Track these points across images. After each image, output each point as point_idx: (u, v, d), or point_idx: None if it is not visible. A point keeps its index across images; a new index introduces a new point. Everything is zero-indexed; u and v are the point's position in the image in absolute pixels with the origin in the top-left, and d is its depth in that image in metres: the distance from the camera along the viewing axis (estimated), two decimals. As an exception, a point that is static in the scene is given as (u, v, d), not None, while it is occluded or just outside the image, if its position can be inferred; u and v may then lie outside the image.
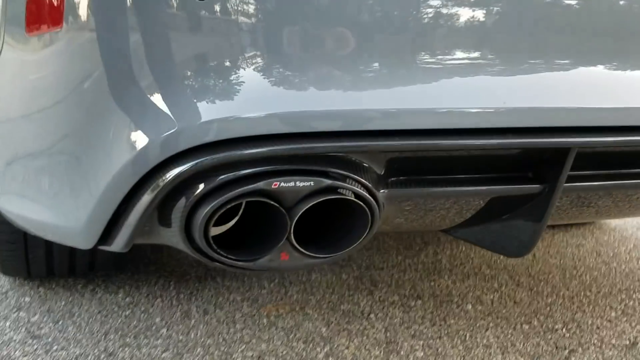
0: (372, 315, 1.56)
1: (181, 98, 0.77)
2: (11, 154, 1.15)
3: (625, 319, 1.57)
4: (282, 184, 0.77)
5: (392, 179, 0.85)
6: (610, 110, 0.84)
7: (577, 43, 0.84)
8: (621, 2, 0.83)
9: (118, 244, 0.89)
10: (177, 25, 0.78)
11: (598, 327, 1.52)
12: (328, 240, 0.88)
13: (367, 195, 0.81)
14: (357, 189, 0.80)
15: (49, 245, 1.56)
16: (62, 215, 0.96)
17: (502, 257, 2.00)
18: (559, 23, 0.81)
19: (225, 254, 0.83)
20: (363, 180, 0.80)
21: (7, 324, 1.48)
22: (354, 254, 1.97)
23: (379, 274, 1.82)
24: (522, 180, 0.89)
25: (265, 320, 1.52)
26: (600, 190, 0.99)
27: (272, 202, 0.78)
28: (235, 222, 0.92)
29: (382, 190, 0.84)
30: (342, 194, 0.80)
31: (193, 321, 1.51)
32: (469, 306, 1.63)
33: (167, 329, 1.47)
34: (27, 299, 1.62)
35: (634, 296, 1.71)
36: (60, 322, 1.49)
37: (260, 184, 0.76)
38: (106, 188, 0.84)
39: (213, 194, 0.77)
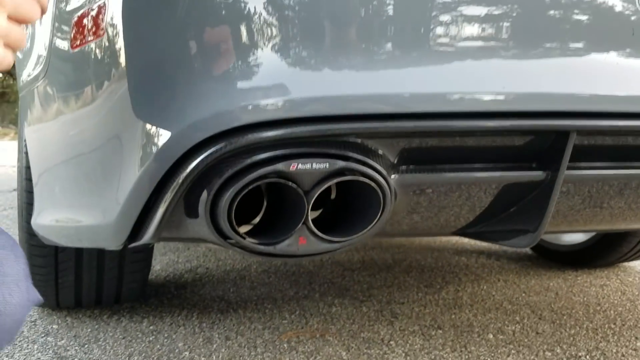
0: (392, 342, 1.56)
1: (201, 89, 0.86)
2: (48, 167, 1.25)
3: (652, 349, 1.54)
4: (300, 165, 0.83)
5: (404, 166, 0.91)
6: (607, 97, 0.89)
7: (574, 30, 0.91)
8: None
9: (147, 237, 0.95)
10: (203, 22, 0.89)
11: (623, 355, 1.49)
12: (343, 224, 0.93)
13: (380, 177, 0.87)
14: (370, 171, 0.87)
15: (78, 271, 1.62)
16: (95, 215, 1.03)
17: (524, 293, 1.99)
18: (557, 11, 0.89)
19: (248, 238, 0.89)
20: (375, 164, 0.87)
21: (35, 346, 1.53)
22: (374, 290, 1.98)
23: (399, 307, 1.83)
24: (527, 168, 0.94)
25: (285, 345, 1.53)
26: (601, 180, 1.03)
27: (290, 184, 0.85)
28: (260, 218, 0.98)
29: (394, 176, 0.90)
30: (355, 176, 0.86)
31: (215, 346, 1.53)
32: (490, 335, 1.61)
33: (190, 352, 1.49)
34: (55, 326, 1.66)
35: (661, 329, 1.68)
36: (86, 346, 1.53)
37: (279, 166, 0.83)
38: (136, 182, 0.92)
39: (235, 178, 0.84)
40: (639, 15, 0.92)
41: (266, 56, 0.89)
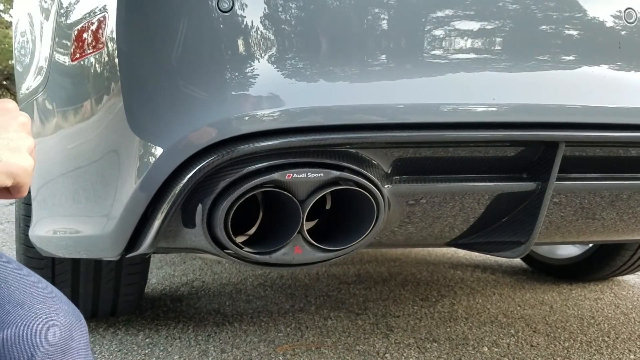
0: (387, 355, 1.56)
1: (197, 100, 0.88)
2: (48, 179, 1.26)
3: (646, 361, 1.55)
4: (295, 175, 0.85)
5: (397, 176, 0.93)
6: (595, 109, 0.92)
7: (562, 44, 0.93)
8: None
9: (144, 247, 0.96)
10: (199, 35, 0.91)
11: (618, 368, 1.50)
12: (338, 234, 0.94)
13: (373, 187, 0.88)
14: (364, 181, 0.88)
15: (75, 283, 1.63)
16: (94, 225, 1.05)
17: (518, 306, 1.99)
18: (546, 25, 0.91)
19: (243, 247, 0.90)
20: (369, 174, 0.88)
21: (30, 359, 1.52)
22: (370, 304, 1.99)
23: (395, 320, 1.83)
24: (517, 179, 0.96)
25: (281, 358, 1.53)
26: (592, 192, 1.04)
27: (285, 193, 0.86)
28: (256, 227, 0.99)
29: (387, 186, 0.92)
30: (349, 186, 0.88)
31: (210, 358, 1.53)
32: (485, 348, 1.62)
33: (185, 365, 1.49)
34: (50, 339, 1.66)
35: (654, 342, 1.68)
36: (81, 358, 1.53)
37: (275, 175, 0.85)
38: (134, 193, 0.93)
39: (231, 188, 0.86)
40: (625, 30, 0.95)
41: (261, 68, 0.92)
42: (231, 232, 0.88)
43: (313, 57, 0.93)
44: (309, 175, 0.86)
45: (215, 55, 0.93)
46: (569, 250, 2.31)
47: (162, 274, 2.36)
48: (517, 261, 2.59)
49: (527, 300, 2.06)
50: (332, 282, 2.29)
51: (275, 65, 0.93)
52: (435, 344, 1.64)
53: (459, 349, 1.61)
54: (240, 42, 0.94)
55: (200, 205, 0.89)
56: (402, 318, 1.86)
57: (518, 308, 1.97)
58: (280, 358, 1.52)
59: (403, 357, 1.54)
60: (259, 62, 0.92)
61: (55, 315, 0.56)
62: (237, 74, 0.92)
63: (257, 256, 0.91)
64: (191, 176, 0.87)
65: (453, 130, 0.87)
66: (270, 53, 0.93)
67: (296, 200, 0.87)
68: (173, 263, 2.53)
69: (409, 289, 2.19)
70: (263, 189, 0.87)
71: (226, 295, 2.07)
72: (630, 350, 1.61)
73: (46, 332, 0.54)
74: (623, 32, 0.96)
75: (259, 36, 0.95)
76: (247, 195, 0.86)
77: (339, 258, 0.96)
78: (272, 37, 0.94)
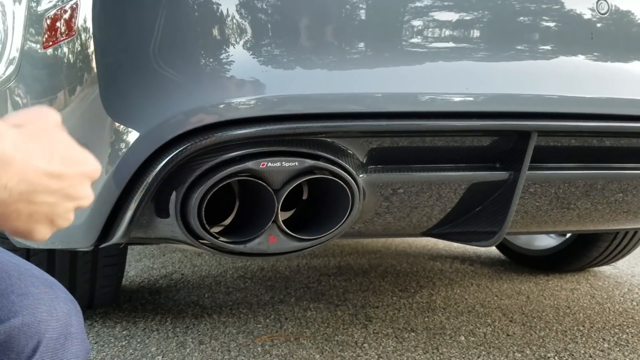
0: (365, 345, 1.57)
1: (172, 87, 0.87)
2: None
3: (618, 349, 1.58)
4: (270, 164, 0.84)
5: (372, 165, 0.93)
6: (567, 98, 0.93)
7: (535, 35, 0.94)
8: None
9: (117, 237, 0.95)
10: (173, 20, 0.90)
11: (591, 356, 1.52)
12: (314, 223, 0.94)
13: (348, 177, 0.88)
14: (339, 170, 0.88)
15: (50, 274, 1.60)
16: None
17: (496, 296, 2.02)
18: (520, 16, 0.92)
19: (218, 237, 0.89)
20: (344, 163, 0.88)
21: (4, 352, 1.50)
22: (349, 295, 2.00)
23: (374, 311, 1.84)
24: (491, 168, 0.97)
25: (259, 349, 1.53)
26: (566, 181, 1.06)
27: (260, 182, 0.86)
28: (232, 217, 0.99)
29: (362, 175, 0.92)
30: (323, 175, 0.88)
31: (188, 350, 1.52)
32: (462, 338, 1.63)
33: (163, 356, 1.48)
34: (25, 331, 1.64)
35: (627, 330, 1.72)
36: (56, 351, 1.51)
37: (249, 164, 0.84)
38: (106, 182, 0.92)
39: (205, 176, 0.85)
40: (598, 21, 0.96)
41: (237, 55, 0.91)
42: (205, 222, 0.88)
43: (290, 44, 0.92)
44: (284, 164, 0.85)
45: (189, 42, 0.92)
46: (545, 242, 2.35)
47: (141, 266, 2.34)
48: (496, 252, 2.62)
49: (504, 291, 2.09)
50: (312, 273, 2.29)
51: (251, 53, 0.92)
52: (413, 334, 1.65)
53: (436, 338, 1.62)
54: (215, 29, 0.93)
55: (174, 194, 0.88)
56: (381, 309, 1.87)
57: (495, 298, 2.00)
58: (259, 349, 1.52)
59: (381, 347, 1.55)
60: (234, 49, 0.92)
61: (56, 303, 0.58)
62: (212, 61, 0.91)
63: (232, 246, 0.90)
64: (164, 164, 0.86)
65: (428, 119, 0.87)
66: (246, 40, 0.93)
67: (271, 190, 0.87)
68: (152, 255, 2.51)
69: (388, 280, 2.21)
70: (237, 178, 0.86)
71: (205, 288, 2.06)
72: (604, 339, 1.64)
73: (50, 319, 0.57)
74: (595, 24, 0.97)
75: (234, 23, 0.94)
76: (221, 184, 0.85)
77: (315, 247, 0.96)
78: (248, 24, 0.93)
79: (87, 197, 0.48)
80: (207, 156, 0.86)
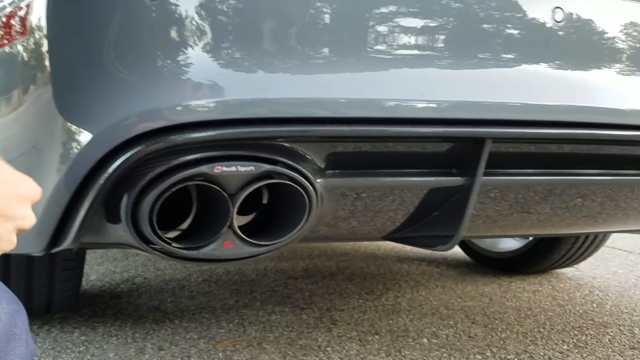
0: (329, 349, 1.56)
1: (125, 88, 0.85)
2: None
3: (577, 350, 1.60)
4: (224, 168, 0.83)
5: (330, 170, 0.92)
6: (522, 106, 0.94)
7: (491, 42, 0.95)
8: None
9: (68, 242, 0.93)
10: (128, 19, 0.88)
11: (550, 358, 1.55)
12: (271, 228, 0.93)
13: (305, 181, 0.88)
14: (296, 175, 0.87)
15: (6, 280, 1.55)
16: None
17: (459, 298, 2.04)
18: (475, 24, 0.92)
19: (170, 242, 0.87)
20: (301, 168, 0.87)
21: (-46, 360, 1.45)
22: (316, 298, 1.99)
23: (339, 314, 1.84)
24: (447, 174, 0.97)
25: (220, 354, 1.51)
26: (523, 186, 1.07)
27: (214, 187, 0.84)
28: (190, 222, 0.97)
29: (320, 180, 0.91)
30: (280, 179, 0.87)
31: (147, 356, 1.49)
32: (425, 340, 1.64)
33: (120, 363, 1.45)
34: (-22, 338, 1.58)
35: (586, 332, 1.75)
36: (10, 358, 1.46)
37: (203, 168, 0.83)
38: (56, 185, 0.89)
39: (157, 181, 0.83)
40: (553, 29, 0.97)
41: (196, 57, 0.89)
42: (157, 227, 0.86)
43: (252, 47, 0.91)
44: (239, 168, 0.84)
45: (146, 43, 0.90)
46: (509, 244, 2.38)
47: (103, 270, 2.29)
48: (462, 254, 2.64)
49: (468, 292, 2.11)
50: (279, 277, 2.28)
51: (210, 55, 0.90)
52: (377, 337, 1.65)
53: (400, 340, 1.63)
54: (173, 30, 0.91)
55: (125, 198, 0.86)
56: (346, 311, 1.86)
57: (459, 300, 2.01)
58: (220, 354, 1.50)
59: (344, 350, 1.55)
60: (193, 50, 0.90)
61: None
62: (169, 62, 0.89)
63: (185, 252, 0.88)
64: (116, 167, 0.84)
65: (387, 125, 0.87)
66: (206, 42, 0.91)
67: (226, 194, 0.85)
68: (115, 259, 2.46)
69: (355, 283, 2.21)
70: (192, 183, 0.84)
71: (168, 292, 2.02)
72: (563, 341, 1.67)
73: None
74: (551, 31, 0.98)
75: (193, 24, 0.92)
76: (174, 189, 0.83)
77: (274, 252, 0.95)
78: (208, 25, 0.92)
79: (26, 218, 0.48)
80: (160, 160, 0.84)
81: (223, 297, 1.97)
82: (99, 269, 2.30)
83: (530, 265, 2.30)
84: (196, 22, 0.92)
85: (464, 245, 2.58)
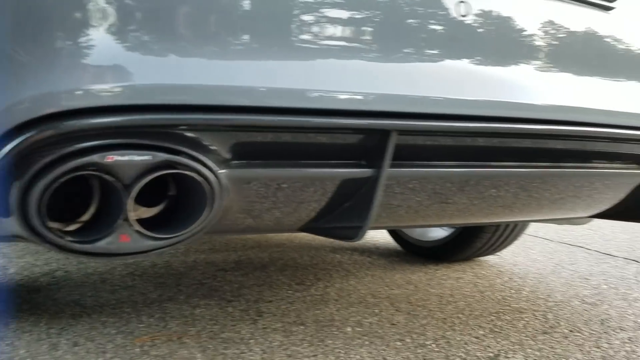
0: (252, 341, 1.55)
1: (20, 70, 0.80)
2: None
3: (492, 335, 1.67)
4: (118, 157, 0.80)
5: (235, 161, 0.91)
6: (426, 99, 0.95)
7: (398, 35, 0.95)
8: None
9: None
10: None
11: (466, 343, 1.60)
12: (174, 220, 0.91)
13: (207, 171, 0.85)
14: (197, 165, 0.85)
15: None
16: None
17: (386, 287, 2.07)
18: (385, 16, 0.92)
19: (63, 236, 0.83)
20: (203, 158, 0.85)
21: None
22: (244, 290, 1.97)
23: (266, 306, 1.83)
24: (356, 166, 0.98)
25: (138, 350, 1.47)
26: (433, 178, 1.09)
27: (107, 177, 0.81)
28: (91, 215, 0.93)
29: (224, 170, 0.89)
30: (179, 170, 0.84)
31: (60, 352, 1.43)
32: (349, 328, 1.66)
33: (32, 359, 1.39)
34: None
35: (502, 317, 1.82)
36: None
37: (94, 157, 0.79)
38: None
39: (47, 170, 0.79)
40: (459, 22, 0.99)
41: (100, 39, 0.85)
42: (47, 219, 0.82)
43: (163, 31, 0.87)
44: (135, 158, 0.81)
45: (42, 21, 0.85)
46: (438, 233, 2.44)
47: (22, 263, 2.19)
48: (393, 244, 2.69)
49: (396, 281, 2.15)
50: (208, 269, 2.24)
51: (115, 37, 0.86)
52: (302, 327, 1.65)
53: (324, 330, 1.64)
54: (72, 7, 0.86)
55: (14, 188, 0.81)
56: (274, 303, 1.86)
57: (386, 288, 2.05)
58: (137, 350, 1.47)
59: (267, 342, 1.54)
60: (97, 32, 0.85)
61: None
62: (69, 42, 0.84)
63: (78, 245, 0.85)
64: (5, 154, 0.79)
65: (292, 115, 0.86)
66: (111, 23, 0.86)
67: (120, 185, 0.82)
68: (36, 252, 2.35)
69: (286, 274, 2.20)
70: (84, 172, 0.81)
71: (89, 286, 1.95)
72: (480, 327, 1.73)
73: None
74: (457, 25, 1.00)
75: (98, 3, 0.87)
76: (64, 179, 0.79)
77: (176, 245, 0.92)
78: (114, 5, 0.87)
79: None
80: (51, 148, 0.80)
81: (146, 291, 1.92)
82: (19, 262, 2.19)
83: (454, 253, 2.37)
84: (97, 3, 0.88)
85: (395, 234, 2.63)
